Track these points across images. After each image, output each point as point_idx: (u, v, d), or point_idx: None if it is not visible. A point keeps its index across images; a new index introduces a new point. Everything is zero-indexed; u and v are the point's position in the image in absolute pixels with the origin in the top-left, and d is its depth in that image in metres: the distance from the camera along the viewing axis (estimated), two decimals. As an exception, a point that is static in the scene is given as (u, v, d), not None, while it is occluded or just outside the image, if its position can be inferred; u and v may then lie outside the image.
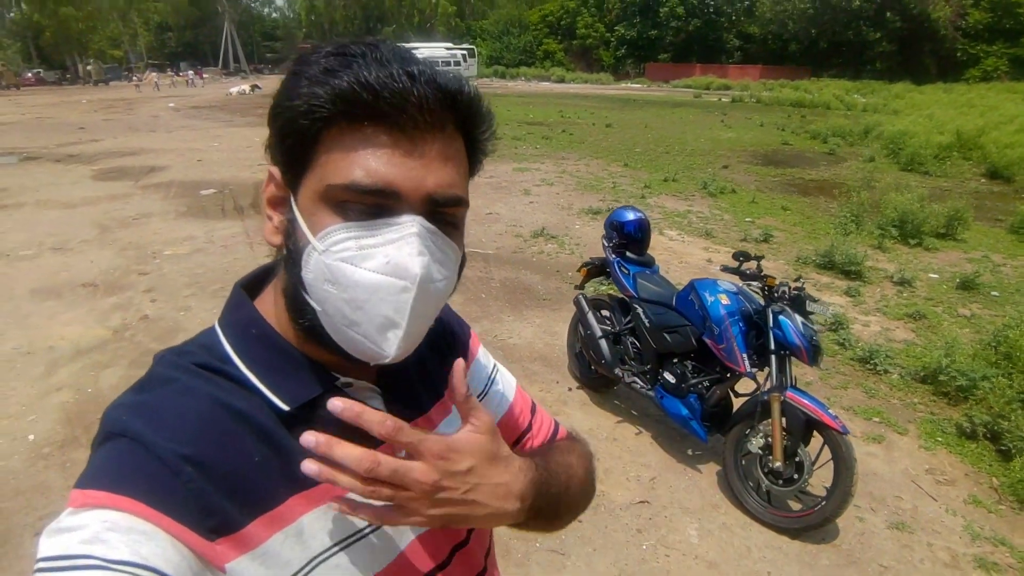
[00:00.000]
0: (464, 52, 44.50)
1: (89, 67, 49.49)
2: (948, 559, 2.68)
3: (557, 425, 0.93)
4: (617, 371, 3.43)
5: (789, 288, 2.90)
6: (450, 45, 45.33)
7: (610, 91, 38.58)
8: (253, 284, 0.69)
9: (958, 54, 44.85)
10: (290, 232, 0.59)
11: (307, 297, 0.58)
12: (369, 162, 0.54)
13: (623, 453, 3.26)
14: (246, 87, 32.75)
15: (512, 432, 0.87)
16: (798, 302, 2.83)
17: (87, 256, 6.33)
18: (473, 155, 0.63)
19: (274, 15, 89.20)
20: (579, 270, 3.91)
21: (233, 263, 6.05)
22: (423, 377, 0.74)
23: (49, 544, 0.48)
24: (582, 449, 0.83)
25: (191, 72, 46.56)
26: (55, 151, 13.52)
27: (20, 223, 7.62)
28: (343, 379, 0.64)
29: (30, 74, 48.04)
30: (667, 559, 2.59)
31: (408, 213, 0.55)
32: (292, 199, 0.59)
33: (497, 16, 65.01)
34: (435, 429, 0.72)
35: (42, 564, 0.47)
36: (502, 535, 2.67)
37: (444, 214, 0.58)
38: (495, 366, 0.89)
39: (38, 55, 57.63)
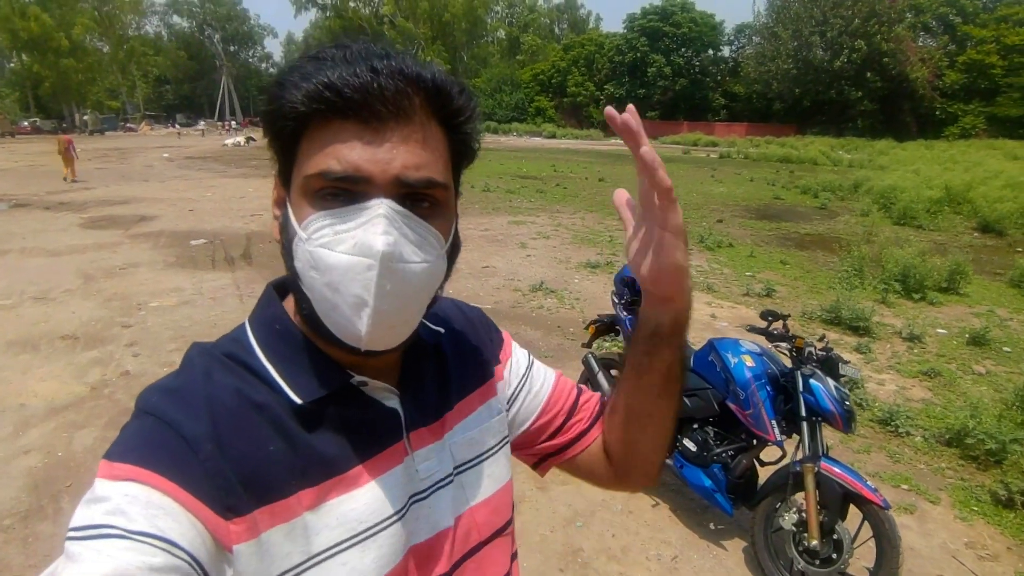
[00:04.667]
0: (458, 107, 45.39)
1: (86, 117, 50.12)
2: (1004, 650, 2.43)
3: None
4: (631, 436, 3.20)
5: (815, 349, 2.73)
6: (444, 100, 46.19)
7: (601, 147, 39.29)
8: (284, 285, 0.71)
9: (936, 112, 46.28)
10: (284, 227, 0.63)
11: (302, 287, 0.60)
12: (339, 151, 0.57)
13: (640, 528, 3.00)
14: (241, 139, 33.11)
15: (559, 413, 0.87)
16: (829, 364, 2.64)
17: (69, 307, 6.11)
18: (458, 143, 0.64)
19: (271, 70, 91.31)
20: (587, 328, 3.73)
21: (221, 316, 5.82)
22: (440, 390, 0.75)
23: (80, 514, 0.52)
24: None
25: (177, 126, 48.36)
26: (45, 198, 13.42)
27: (2, 271, 7.41)
28: (358, 377, 0.65)
29: (26, 123, 48.48)
30: (698, 654, 2.32)
31: (377, 197, 0.57)
32: (287, 197, 0.63)
33: (490, 74, 66.68)
34: (440, 440, 0.72)
35: (72, 533, 0.50)
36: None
37: (420, 196, 0.60)
38: (531, 359, 0.90)
39: (36, 105, 58.28)
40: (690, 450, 2.90)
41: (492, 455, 0.78)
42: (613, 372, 3.52)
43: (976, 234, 11.80)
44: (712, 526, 3.03)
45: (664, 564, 2.77)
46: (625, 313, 3.39)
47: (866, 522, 2.44)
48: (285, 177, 0.63)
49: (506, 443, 0.82)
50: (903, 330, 5.86)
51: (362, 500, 0.62)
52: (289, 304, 0.68)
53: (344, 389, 0.64)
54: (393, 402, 0.68)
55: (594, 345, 3.82)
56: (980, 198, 12.98)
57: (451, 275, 0.67)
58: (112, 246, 8.82)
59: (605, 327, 3.60)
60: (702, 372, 2.95)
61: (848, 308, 5.91)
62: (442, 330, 0.79)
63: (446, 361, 0.78)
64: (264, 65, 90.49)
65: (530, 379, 0.87)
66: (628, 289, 3.39)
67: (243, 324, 0.68)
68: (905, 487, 3.45)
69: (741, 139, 41.62)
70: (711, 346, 2.93)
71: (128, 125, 50.31)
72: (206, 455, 0.55)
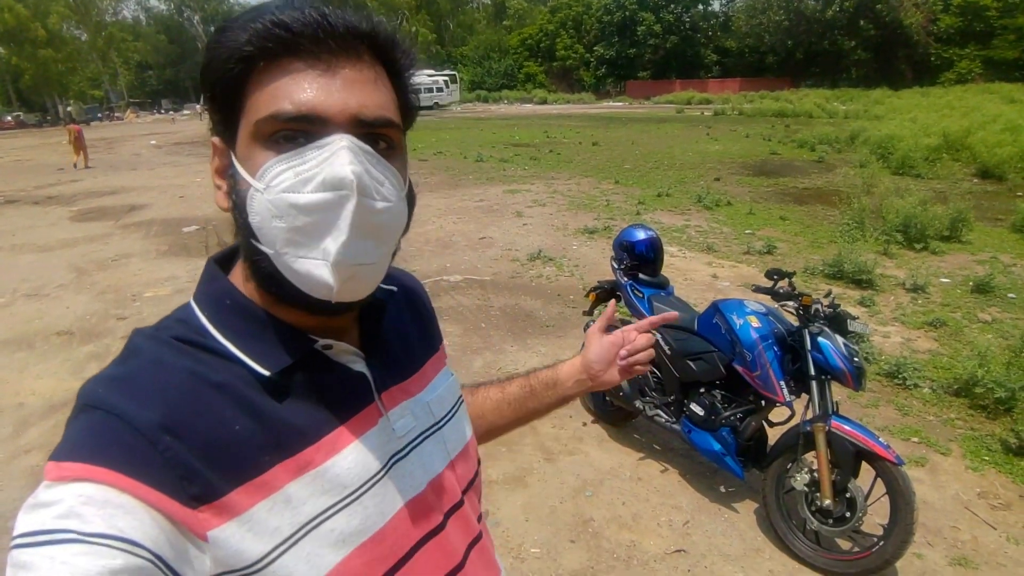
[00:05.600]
0: (446, 78, 44.63)
1: (69, 108, 49.29)
2: (1021, 599, 2.41)
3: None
4: (637, 403, 3.16)
5: (823, 306, 2.66)
6: (432, 72, 45.41)
7: (593, 110, 38.76)
8: (226, 259, 0.69)
9: (932, 58, 45.52)
10: (233, 186, 0.59)
11: (259, 245, 0.57)
12: (291, 90, 0.55)
13: (651, 495, 2.97)
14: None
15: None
16: (837, 321, 2.58)
17: (63, 302, 6.03)
18: (401, 91, 0.63)
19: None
20: (587, 295, 3.66)
21: (217, 302, 5.75)
22: (405, 348, 0.77)
23: (26, 520, 0.48)
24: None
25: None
26: (33, 193, 13.23)
27: (-7, 270, 7.31)
28: (323, 341, 0.64)
29: (9, 117, 47.74)
30: (714, 618, 2.30)
31: (336, 133, 0.55)
32: (232, 155, 0.59)
33: (477, 41, 65.52)
34: (413, 398, 0.73)
35: (19, 540, 0.47)
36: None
37: (377, 135, 0.59)
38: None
39: (17, 98, 57.33)
40: (697, 414, 2.86)
41: (458, 411, 0.81)
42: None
43: (976, 180, 11.66)
44: (723, 489, 3.01)
45: (676, 529, 2.75)
46: (625, 278, 3.31)
47: (879, 479, 2.40)
48: (230, 133, 0.60)
49: (462, 402, 0.85)
50: (906, 281, 5.79)
51: (343, 465, 0.61)
52: (235, 277, 0.65)
53: (309, 356, 0.63)
54: (360, 366, 0.68)
55: (595, 312, 3.75)
56: (979, 143, 12.77)
57: (410, 228, 0.65)
58: (103, 238, 8.70)
59: (606, 293, 3.53)
60: (707, 335, 2.89)
61: (850, 261, 5.83)
62: (394, 288, 0.79)
63: (405, 318, 0.80)
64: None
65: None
66: (627, 254, 3.31)
67: (187, 305, 0.65)
68: (915, 440, 3.42)
69: (735, 95, 40.93)
70: (715, 308, 2.86)
71: (115, 114, 49.47)
72: (164, 445, 0.52)
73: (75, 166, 17.01)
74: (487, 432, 1.02)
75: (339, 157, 0.54)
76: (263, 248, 0.57)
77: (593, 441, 3.43)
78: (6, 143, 30.45)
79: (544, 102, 49.33)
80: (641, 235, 3.32)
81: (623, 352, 0.98)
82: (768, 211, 9.16)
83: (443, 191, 11.22)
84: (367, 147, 0.56)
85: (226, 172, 0.61)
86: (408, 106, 0.65)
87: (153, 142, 25.26)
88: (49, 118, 50.89)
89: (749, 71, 52.74)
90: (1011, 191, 10.65)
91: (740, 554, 2.61)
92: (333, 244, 0.54)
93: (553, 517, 2.83)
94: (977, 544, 2.69)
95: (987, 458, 3.27)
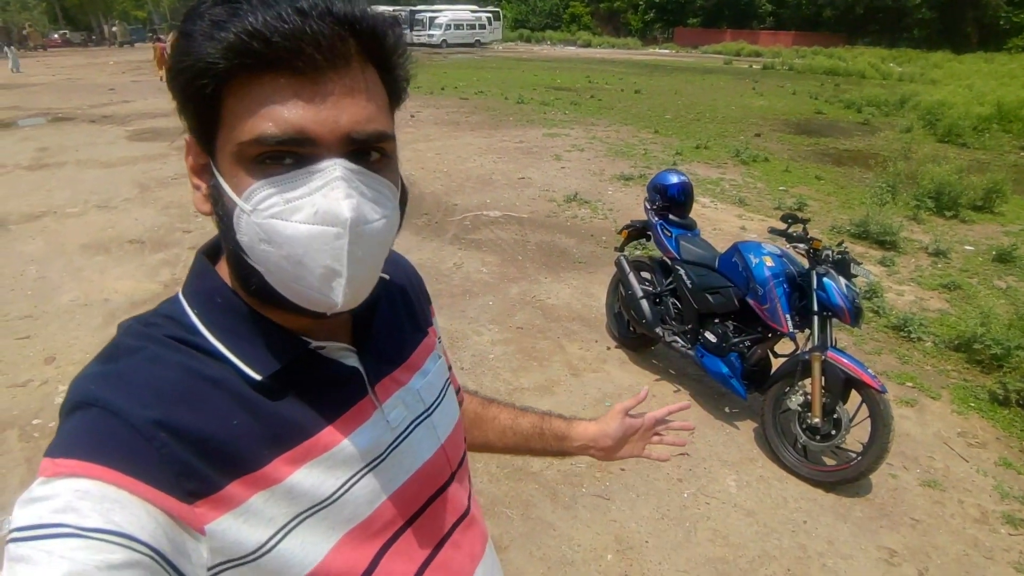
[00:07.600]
0: (489, 15, 43.64)
1: (114, 28, 49.52)
2: (978, 515, 2.77)
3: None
4: (658, 330, 3.53)
5: (832, 251, 2.96)
6: (475, 8, 44.43)
7: (638, 56, 37.78)
8: (215, 250, 0.67)
9: (1001, 22, 43.04)
10: (216, 198, 0.57)
11: (249, 261, 0.56)
12: (275, 112, 0.51)
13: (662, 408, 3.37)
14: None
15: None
16: (842, 265, 2.89)
17: (131, 214, 6.50)
18: (392, 83, 0.60)
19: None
20: (620, 232, 3.99)
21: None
22: (395, 336, 0.77)
23: (22, 514, 0.47)
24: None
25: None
26: (88, 112, 13.73)
27: (64, 181, 7.81)
28: (315, 343, 0.64)
29: (56, 35, 48.20)
30: (707, 506, 2.72)
31: (328, 158, 0.53)
32: (212, 164, 0.57)
33: (522, -22, 63.51)
34: (405, 387, 0.74)
35: (15, 534, 0.46)
36: (550, 480, 2.82)
37: (369, 150, 0.57)
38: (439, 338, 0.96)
39: (63, 16, 57.73)
40: (711, 341, 3.22)
41: (446, 395, 0.82)
42: (644, 273, 3.81)
43: (1023, 153, 11.44)
44: (727, 409, 3.39)
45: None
46: (656, 218, 3.63)
47: (864, 405, 2.75)
48: (206, 141, 0.57)
49: (449, 384, 0.86)
50: (930, 246, 5.97)
51: (339, 458, 0.63)
52: (223, 270, 0.64)
53: (302, 355, 0.63)
54: (352, 360, 0.67)
55: (625, 249, 4.08)
56: (1032, 115, 12.46)
57: (403, 224, 0.64)
58: (160, 158, 9.16)
59: (637, 232, 3.85)
60: (726, 272, 3.22)
61: (877, 223, 6.01)
62: (387, 276, 0.78)
63: (396, 306, 0.79)
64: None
65: (440, 344, 0.91)
66: (660, 196, 3.61)
67: (176, 298, 0.64)
68: (910, 384, 3.74)
69: (787, 49, 39.38)
70: (735, 248, 3.19)
71: (159, 37, 49.76)
72: (160, 442, 0.52)
73: (162, 79, 18.58)
74: (481, 446, 1.06)
75: (335, 189, 0.52)
76: (254, 265, 0.56)
77: (615, 362, 3.83)
78: (55, 61, 31.01)
79: (588, 45, 48.07)
80: (674, 179, 3.60)
81: (664, 428, 1.15)
82: (804, 170, 9.23)
83: (484, 131, 11.42)
84: (359, 168, 0.55)
85: (204, 172, 0.59)
86: (399, 93, 0.62)
87: (198, 66, 25.54)
88: (95, 38, 51.23)
89: (804, 24, 50.42)
90: (1058, 166, 10.46)
91: (736, 461, 3.01)
92: (333, 282, 0.55)
93: (575, 420, 3.25)
94: (948, 472, 3.04)
95: (973, 405, 3.58)
